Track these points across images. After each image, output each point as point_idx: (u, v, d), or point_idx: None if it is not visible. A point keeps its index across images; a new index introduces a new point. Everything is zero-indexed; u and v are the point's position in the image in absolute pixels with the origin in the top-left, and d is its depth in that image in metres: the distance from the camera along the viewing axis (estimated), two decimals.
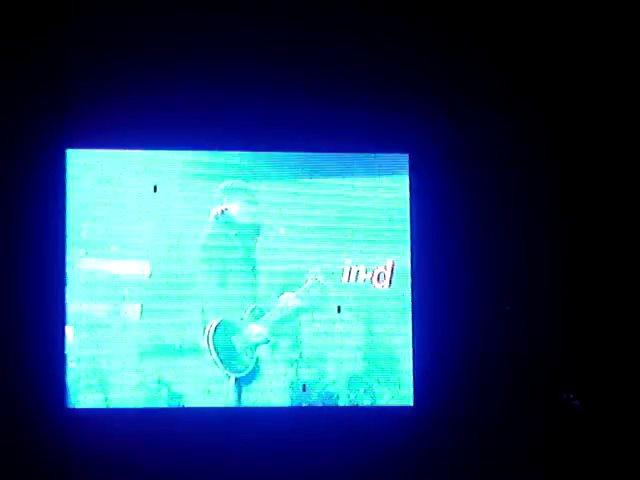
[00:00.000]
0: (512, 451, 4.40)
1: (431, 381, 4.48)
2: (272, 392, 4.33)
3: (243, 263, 4.34)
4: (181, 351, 4.26)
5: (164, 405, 4.34)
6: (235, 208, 4.32)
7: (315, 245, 4.39)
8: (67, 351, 4.32)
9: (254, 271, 4.33)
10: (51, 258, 4.40)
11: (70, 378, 4.34)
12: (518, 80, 4.57)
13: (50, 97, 4.44)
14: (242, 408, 4.38)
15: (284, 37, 4.47)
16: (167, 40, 4.49)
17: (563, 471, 4.34)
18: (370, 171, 4.49)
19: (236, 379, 4.26)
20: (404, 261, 4.46)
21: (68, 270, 4.33)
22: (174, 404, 4.31)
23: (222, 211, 4.29)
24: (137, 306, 4.28)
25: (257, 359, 4.29)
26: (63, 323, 4.34)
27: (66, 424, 4.33)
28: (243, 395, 4.30)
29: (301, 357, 4.33)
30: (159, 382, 4.34)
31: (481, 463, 4.38)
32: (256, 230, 4.37)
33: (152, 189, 4.40)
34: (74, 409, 4.33)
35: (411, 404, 4.41)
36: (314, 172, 4.47)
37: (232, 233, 4.33)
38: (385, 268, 4.40)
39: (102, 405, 4.33)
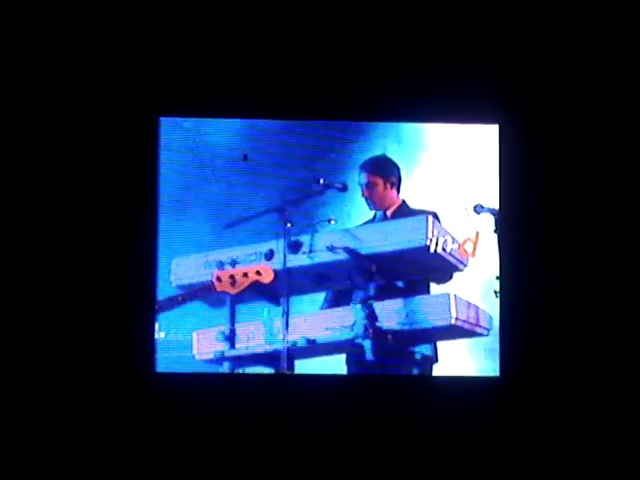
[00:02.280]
0: (604, 425, 4.21)
1: (518, 351, 4.30)
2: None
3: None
4: None
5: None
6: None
7: None
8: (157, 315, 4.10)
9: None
10: (144, 226, 4.25)
11: (159, 341, 4.06)
12: (616, 50, 4.39)
13: (143, 64, 4.47)
14: (325, 376, 4.02)
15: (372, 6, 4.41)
16: (262, 8, 4.42)
17: None
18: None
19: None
20: (491, 232, 4.09)
21: (160, 237, 4.08)
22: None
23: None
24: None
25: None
26: (154, 285, 4.05)
27: (154, 389, 4.17)
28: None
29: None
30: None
31: (570, 437, 4.21)
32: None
33: (242, 157, 4.15)
34: (162, 373, 4.05)
35: (497, 374, 4.12)
36: (401, 141, 4.10)
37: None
38: (471, 239, 4.01)
39: (190, 369, 4.05)
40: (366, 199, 3.98)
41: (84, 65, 4.50)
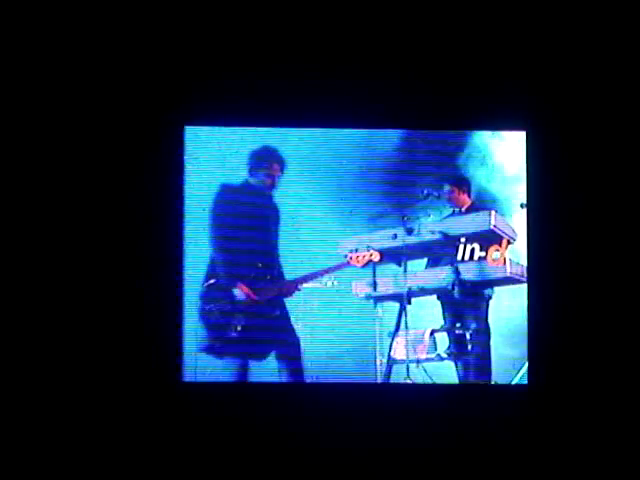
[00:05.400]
0: (631, 436, 4.29)
1: (546, 360, 4.44)
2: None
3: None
4: None
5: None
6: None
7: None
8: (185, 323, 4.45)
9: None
10: (170, 235, 4.37)
11: (187, 350, 4.54)
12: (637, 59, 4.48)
13: (169, 73, 4.33)
14: (352, 384, 4.69)
15: (395, 15, 4.48)
16: (286, 17, 4.43)
17: None
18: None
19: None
20: (520, 240, 4.87)
21: (186, 247, 4.60)
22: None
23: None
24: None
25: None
26: (181, 294, 4.50)
27: (182, 399, 4.34)
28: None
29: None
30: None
31: (597, 448, 4.27)
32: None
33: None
34: (191, 383, 4.53)
35: (525, 383, 4.58)
36: (424, 148, 4.94)
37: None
38: (500, 246, 4.88)
39: (221, 379, 4.61)
40: (449, 200, 5.09)
41: (110, 75, 4.29)
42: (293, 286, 5.01)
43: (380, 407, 4.38)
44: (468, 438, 4.28)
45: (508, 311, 4.94)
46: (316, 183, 4.94)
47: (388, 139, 4.95)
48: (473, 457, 4.25)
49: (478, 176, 5.03)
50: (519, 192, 4.95)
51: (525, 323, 4.66)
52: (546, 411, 4.29)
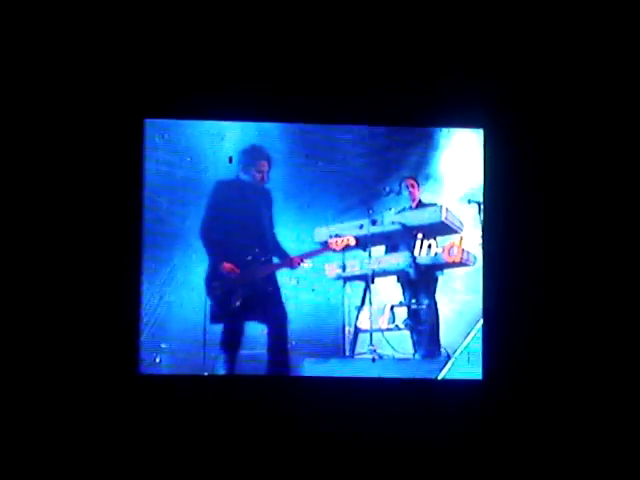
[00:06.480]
0: (585, 427, 4.25)
1: (501, 355, 4.45)
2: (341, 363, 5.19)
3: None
4: None
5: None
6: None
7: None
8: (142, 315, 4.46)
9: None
10: (129, 227, 4.27)
11: (143, 343, 4.59)
12: (596, 57, 4.51)
13: (129, 66, 4.21)
14: (309, 377, 4.96)
15: (357, 14, 4.49)
16: (246, 13, 4.39)
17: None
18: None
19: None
20: (476, 235, 5.18)
21: (144, 238, 4.65)
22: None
23: None
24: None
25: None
26: (138, 288, 4.49)
27: (138, 391, 4.23)
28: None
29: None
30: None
31: (551, 441, 4.25)
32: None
33: (227, 160, 4.98)
34: (146, 375, 4.59)
35: (480, 378, 4.71)
36: (387, 147, 5.22)
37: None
38: (456, 242, 5.23)
39: (175, 371, 4.73)
40: (410, 194, 5.53)
41: (70, 67, 4.10)
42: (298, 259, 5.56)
43: (340, 399, 4.58)
44: (422, 431, 4.38)
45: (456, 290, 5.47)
46: (289, 179, 5.35)
47: (356, 136, 5.23)
48: (426, 451, 4.34)
49: (431, 172, 5.38)
50: (468, 188, 5.34)
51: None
52: (501, 404, 4.35)
